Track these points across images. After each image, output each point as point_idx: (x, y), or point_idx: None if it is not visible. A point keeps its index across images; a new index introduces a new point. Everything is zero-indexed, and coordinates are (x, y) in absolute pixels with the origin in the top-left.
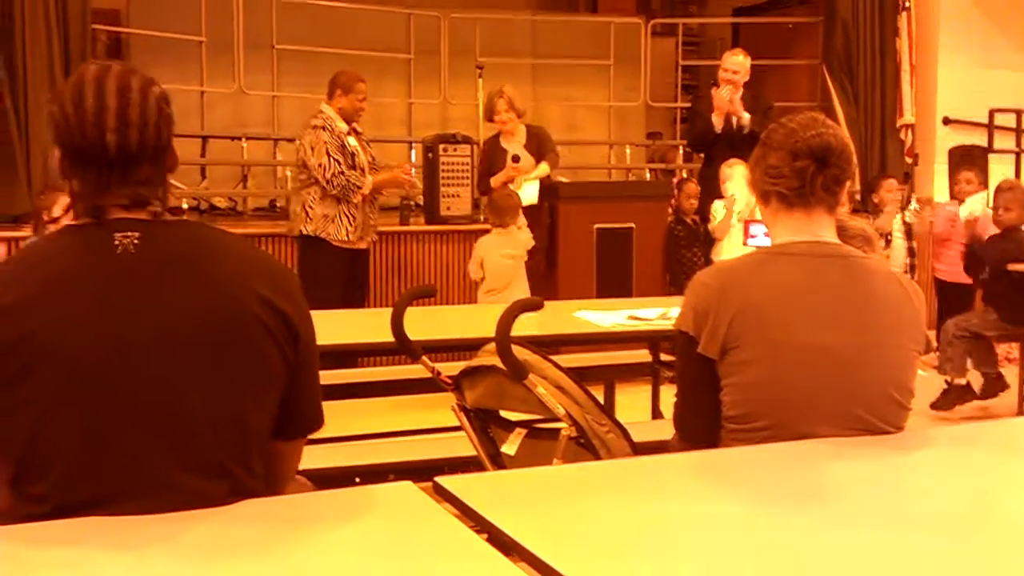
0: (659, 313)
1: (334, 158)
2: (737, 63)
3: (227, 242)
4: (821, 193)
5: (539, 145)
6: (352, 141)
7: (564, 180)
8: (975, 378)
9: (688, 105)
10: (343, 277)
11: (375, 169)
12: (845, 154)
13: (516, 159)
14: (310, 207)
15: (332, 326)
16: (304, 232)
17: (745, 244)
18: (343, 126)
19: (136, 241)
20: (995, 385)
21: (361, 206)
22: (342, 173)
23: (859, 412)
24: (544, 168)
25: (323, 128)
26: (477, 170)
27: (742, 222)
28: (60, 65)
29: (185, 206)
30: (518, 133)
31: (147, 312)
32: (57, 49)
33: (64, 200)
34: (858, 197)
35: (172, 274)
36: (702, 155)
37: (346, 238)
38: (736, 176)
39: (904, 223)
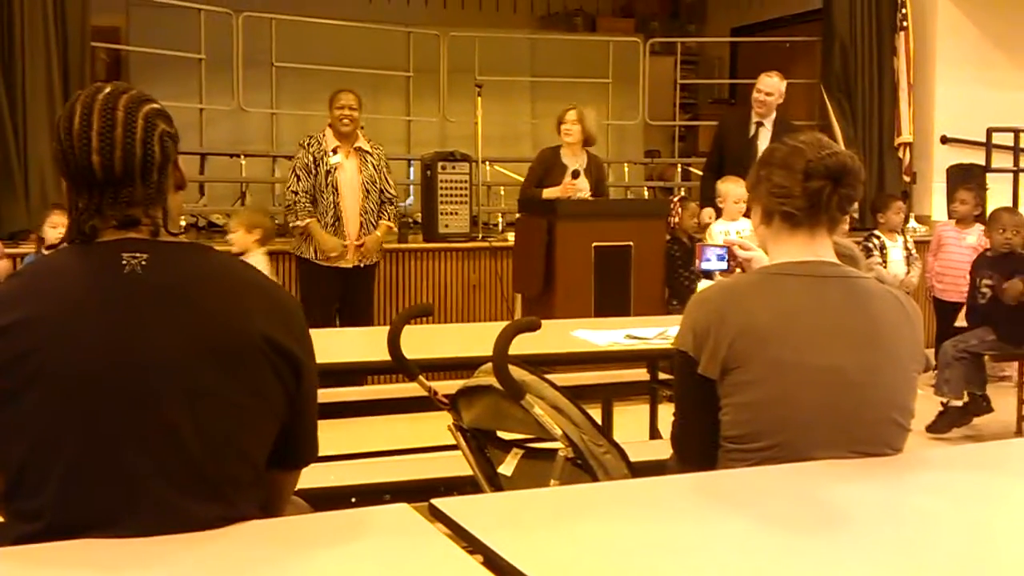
0: (657, 332)
1: (296, 175)
2: (772, 84)
3: (235, 270)
4: (834, 213)
5: (598, 173)
6: (337, 159)
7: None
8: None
9: (686, 123)
10: (326, 295)
11: (376, 193)
12: (858, 174)
13: (576, 175)
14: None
15: (329, 344)
16: (289, 250)
17: (698, 269)
18: (331, 143)
19: (144, 263)
20: (979, 405)
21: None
22: (295, 193)
23: (860, 433)
24: None
25: (302, 146)
26: (526, 176)
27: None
28: (59, 84)
29: (183, 223)
30: (579, 155)
31: (151, 335)
32: (56, 67)
33: (50, 218)
34: (856, 215)
35: (178, 299)
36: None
37: (313, 256)
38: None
39: (906, 248)
